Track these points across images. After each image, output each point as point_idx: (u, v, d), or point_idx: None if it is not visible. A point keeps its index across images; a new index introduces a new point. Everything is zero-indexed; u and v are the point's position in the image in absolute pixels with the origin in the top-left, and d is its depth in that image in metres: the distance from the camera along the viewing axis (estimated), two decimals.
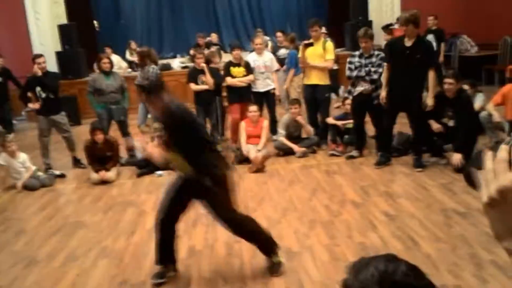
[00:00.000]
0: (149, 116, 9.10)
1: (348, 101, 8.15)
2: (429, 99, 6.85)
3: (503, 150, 1.03)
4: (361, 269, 1.20)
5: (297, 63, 9.19)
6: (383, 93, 7.08)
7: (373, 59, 7.38)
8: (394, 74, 6.95)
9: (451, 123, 6.95)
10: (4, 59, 11.37)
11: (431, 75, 6.81)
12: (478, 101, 7.77)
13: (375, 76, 7.36)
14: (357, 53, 7.64)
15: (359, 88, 7.53)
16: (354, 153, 7.78)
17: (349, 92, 7.82)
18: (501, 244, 1.01)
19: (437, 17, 12.21)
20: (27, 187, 7.52)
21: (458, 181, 6.18)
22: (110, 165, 7.74)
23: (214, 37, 14.85)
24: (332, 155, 7.95)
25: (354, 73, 7.52)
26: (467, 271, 4.11)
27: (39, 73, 8.05)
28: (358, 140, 7.88)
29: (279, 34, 11.61)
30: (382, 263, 1.19)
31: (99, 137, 7.66)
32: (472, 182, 1.10)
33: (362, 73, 7.43)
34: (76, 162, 8.58)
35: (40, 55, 8.38)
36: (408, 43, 6.77)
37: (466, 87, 7.40)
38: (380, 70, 7.28)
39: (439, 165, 7.01)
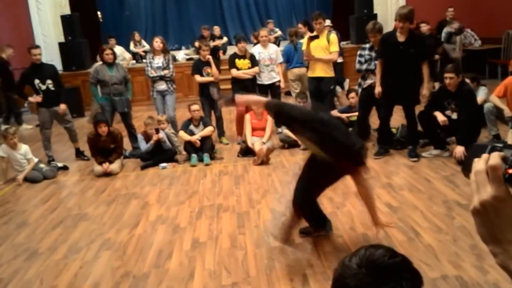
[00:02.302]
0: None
1: (352, 95, 8.14)
2: (424, 90, 6.93)
3: (481, 160, 1.05)
4: (347, 257, 1.36)
5: (289, 58, 9.32)
6: (378, 88, 7.13)
7: None
8: (388, 69, 7.01)
9: (454, 116, 6.94)
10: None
11: (425, 67, 6.90)
12: (480, 95, 7.79)
13: None
14: (367, 46, 7.66)
15: (369, 81, 7.57)
16: None
17: (359, 85, 7.79)
18: (487, 247, 1.05)
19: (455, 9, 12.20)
20: (29, 180, 7.47)
21: (460, 173, 6.00)
22: (114, 157, 7.69)
23: (216, 30, 14.75)
24: None
25: (364, 67, 7.58)
26: (467, 262, 4.10)
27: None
28: (360, 132, 7.81)
29: (300, 25, 11.50)
30: (363, 249, 1.35)
31: (103, 130, 7.60)
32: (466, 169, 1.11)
33: (372, 67, 7.49)
34: (79, 154, 8.54)
35: (37, 46, 8.33)
36: (401, 38, 6.84)
37: (467, 81, 7.38)
38: None
39: (442, 158, 7.01)
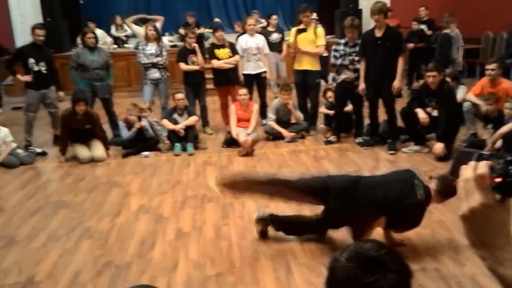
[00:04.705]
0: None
1: (329, 94, 8.21)
2: (396, 82, 7.11)
3: (469, 168, 1.11)
4: (339, 251, 1.42)
5: None
6: (362, 85, 7.32)
7: (358, 48, 7.49)
8: (369, 64, 7.22)
9: (434, 113, 7.03)
10: None
11: (401, 61, 7.14)
12: (460, 93, 7.91)
13: (358, 65, 7.48)
14: (342, 41, 7.83)
15: (342, 76, 7.69)
16: (332, 138, 7.85)
17: (333, 80, 7.97)
18: (475, 251, 1.11)
19: (428, 8, 12.33)
20: (5, 165, 7.23)
21: (439, 169, 6.17)
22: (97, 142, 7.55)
23: (191, 20, 14.06)
24: (328, 142, 7.81)
25: (339, 61, 7.70)
26: (445, 254, 4.25)
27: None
28: (337, 126, 7.99)
29: (274, 17, 11.27)
30: (353, 243, 1.45)
31: (81, 108, 7.31)
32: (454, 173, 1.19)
33: (346, 62, 7.63)
34: (57, 140, 8.30)
35: (41, 26, 8.15)
36: (378, 33, 7.11)
37: (448, 79, 7.52)
38: None
39: (422, 153, 7.14)
